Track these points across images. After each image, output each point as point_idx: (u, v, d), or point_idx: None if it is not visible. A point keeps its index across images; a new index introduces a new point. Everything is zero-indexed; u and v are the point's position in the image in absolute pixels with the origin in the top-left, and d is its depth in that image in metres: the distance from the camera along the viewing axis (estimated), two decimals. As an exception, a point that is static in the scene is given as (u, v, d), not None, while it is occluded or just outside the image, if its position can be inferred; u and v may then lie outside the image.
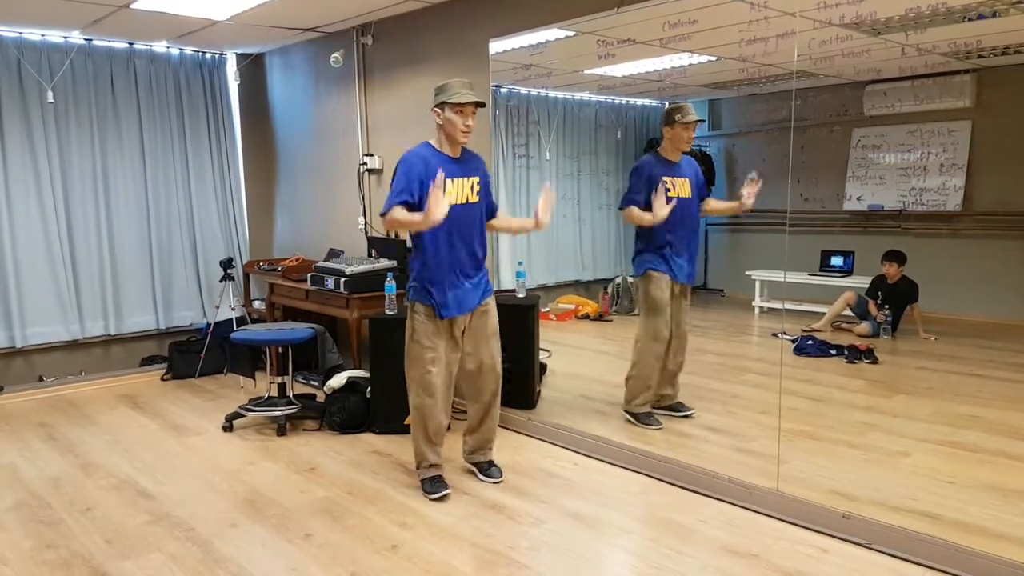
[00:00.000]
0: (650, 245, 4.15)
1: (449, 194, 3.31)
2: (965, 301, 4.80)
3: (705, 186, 4.28)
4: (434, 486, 3.58)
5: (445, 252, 3.43)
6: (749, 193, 3.97)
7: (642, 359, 4.22)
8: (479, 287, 3.55)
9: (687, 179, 4.14)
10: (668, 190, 4.04)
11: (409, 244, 3.75)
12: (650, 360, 4.20)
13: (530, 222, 3.64)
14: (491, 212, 3.66)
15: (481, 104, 3.40)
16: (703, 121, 4.27)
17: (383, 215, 3.37)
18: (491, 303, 3.62)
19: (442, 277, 3.43)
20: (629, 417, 4.29)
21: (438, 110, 3.39)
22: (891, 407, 4.47)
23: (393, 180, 3.44)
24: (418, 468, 3.68)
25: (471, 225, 3.49)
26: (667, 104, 5.38)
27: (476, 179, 3.51)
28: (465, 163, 3.50)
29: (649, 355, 4.19)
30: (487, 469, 3.78)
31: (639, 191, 4.08)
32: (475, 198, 3.49)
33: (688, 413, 4.35)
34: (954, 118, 4.69)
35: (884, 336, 5.28)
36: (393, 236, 5.54)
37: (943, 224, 4.84)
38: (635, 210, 4.08)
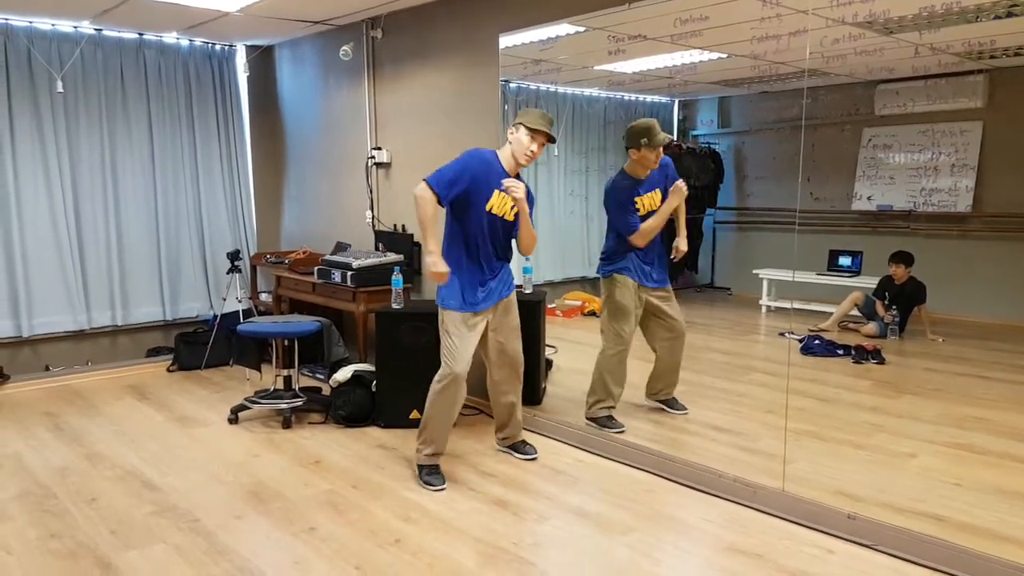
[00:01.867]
0: (620, 249, 4.17)
1: (492, 203, 3.56)
2: (974, 303, 4.77)
3: (674, 181, 4.21)
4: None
5: (474, 254, 3.64)
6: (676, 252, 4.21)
7: (603, 363, 4.23)
8: (500, 284, 3.74)
9: (656, 190, 4.14)
10: (637, 210, 4.08)
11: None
12: (612, 365, 4.20)
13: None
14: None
15: (552, 140, 3.58)
16: (672, 140, 4.29)
17: (425, 182, 3.46)
18: (514, 301, 3.84)
19: (472, 277, 3.64)
20: (588, 422, 4.28)
21: (514, 129, 3.58)
22: (898, 408, 4.45)
23: (448, 164, 3.54)
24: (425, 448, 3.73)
25: (504, 236, 3.70)
26: (675, 101, 5.37)
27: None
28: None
29: (611, 360, 4.19)
30: (523, 447, 4.05)
31: (631, 211, 4.09)
32: (511, 217, 3.65)
33: (682, 412, 4.35)
34: (966, 118, 4.65)
35: (891, 337, 5.25)
36: (400, 230, 5.54)
37: (953, 225, 4.81)
38: (645, 227, 4.09)
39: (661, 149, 4.02)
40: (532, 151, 3.53)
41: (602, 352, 4.23)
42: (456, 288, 3.60)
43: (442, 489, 3.61)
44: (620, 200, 4.10)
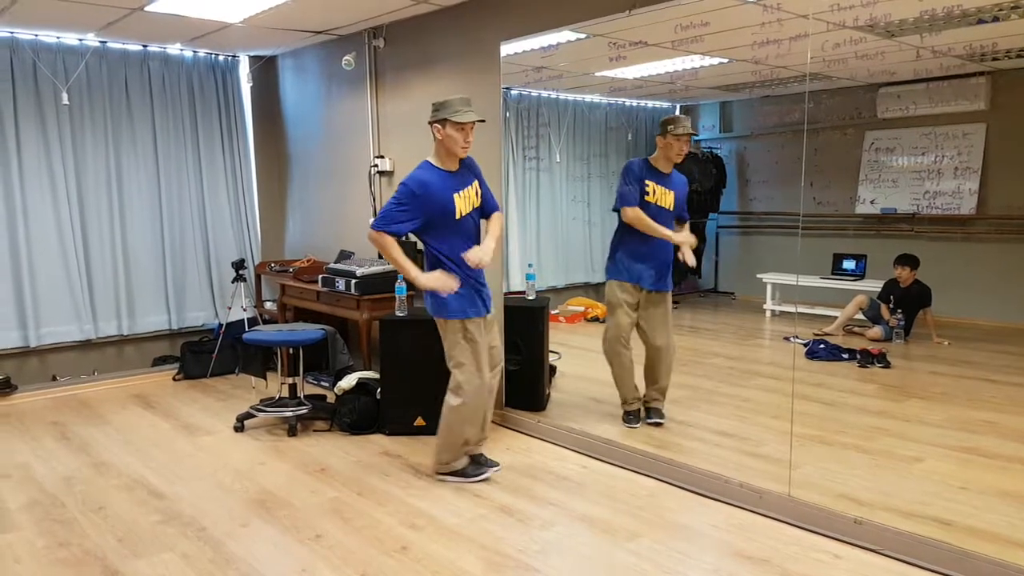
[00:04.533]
0: (622, 251, 4.21)
1: (459, 210, 3.50)
2: (979, 305, 4.76)
3: (684, 210, 4.30)
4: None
5: (461, 261, 3.56)
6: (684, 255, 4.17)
7: (610, 361, 4.29)
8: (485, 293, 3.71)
9: (672, 192, 4.18)
10: (647, 194, 4.10)
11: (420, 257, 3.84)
12: (619, 360, 4.26)
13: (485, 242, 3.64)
14: (494, 208, 3.74)
15: (481, 120, 3.50)
16: (696, 134, 4.32)
17: (375, 229, 3.44)
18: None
19: (475, 279, 3.60)
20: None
21: (438, 125, 3.45)
22: (904, 412, 4.44)
23: (390, 204, 3.48)
24: (454, 460, 3.78)
25: (477, 227, 3.66)
26: (676, 106, 5.38)
27: (475, 183, 3.63)
28: (462, 173, 3.60)
29: (615, 356, 4.26)
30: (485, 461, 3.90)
31: (634, 191, 4.12)
32: (478, 202, 3.61)
33: (658, 421, 4.33)
34: (968, 121, 4.65)
35: (896, 340, 5.24)
36: (404, 238, 5.55)
37: (957, 228, 4.80)
38: (643, 214, 4.10)
39: (685, 143, 4.09)
40: (468, 141, 3.47)
41: (606, 352, 4.31)
42: (462, 296, 3.56)
43: (497, 467, 3.80)
44: (633, 174, 4.13)
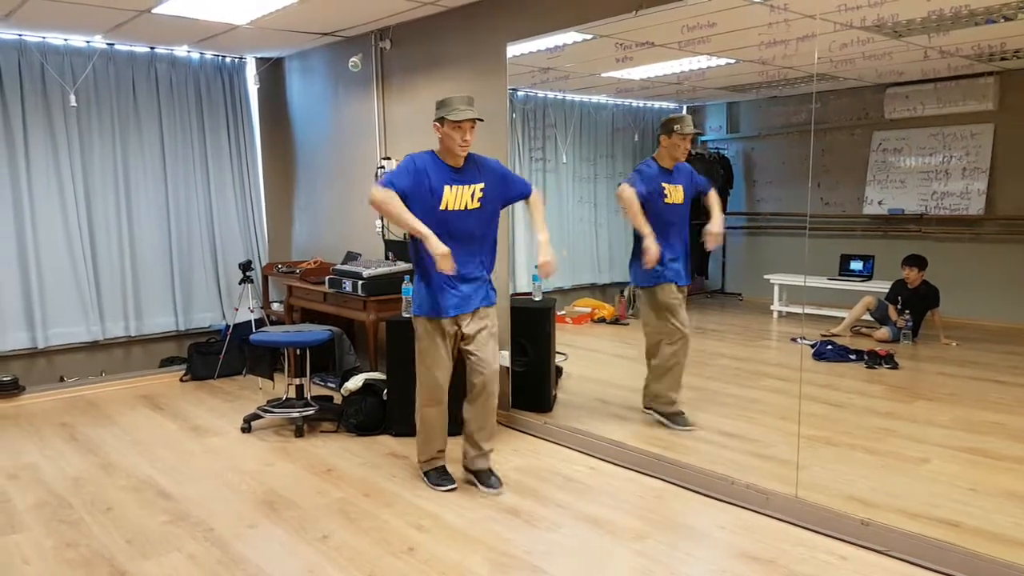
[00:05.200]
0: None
1: (446, 201, 3.47)
2: (987, 306, 4.74)
3: (696, 176, 4.35)
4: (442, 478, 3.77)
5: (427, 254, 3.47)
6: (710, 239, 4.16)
7: (658, 355, 4.28)
8: (478, 292, 3.59)
9: (680, 186, 4.25)
10: (666, 196, 4.17)
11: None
12: (667, 355, 4.25)
13: (541, 247, 3.63)
14: (523, 194, 3.72)
15: (479, 119, 3.48)
16: (701, 133, 4.35)
17: (376, 188, 3.42)
18: (491, 312, 3.66)
19: (440, 280, 3.50)
20: (659, 418, 4.34)
21: (438, 124, 3.48)
22: (911, 413, 4.42)
23: (392, 170, 3.52)
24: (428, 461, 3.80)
25: (470, 231, 3.55)
26: (683, 107, 5.37)
27: (480, 186, 3.56)
28: (468, 171, 3.56)
29: (664, 351, 4.26)
30: (488, 478, 3.75)
31: (642, 185, 4.16)
32: (475, 204, 3.54)
33: (686, 428, 4.31)
34: (976, 121, 4.63)
35: (905, 340, 5.22)
36: (410, 239, 5.56)
37: (965, 228, 4.78)
38: (636, 201, 4.12)
39: (689, 141, 4.15)
40: (466, 140, 3.45)
41: (656, 349, 4.32)
42: (424, 294, 3.55)
43: (453, 488, 3.69)
44: (647, 177, 4.18)
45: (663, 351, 4.24)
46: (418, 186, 3.46)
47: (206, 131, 6.45)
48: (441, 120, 3.45)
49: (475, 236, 3.56)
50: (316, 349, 4.84)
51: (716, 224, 4.18)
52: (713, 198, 4.29)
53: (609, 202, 5.63)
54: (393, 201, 3.39)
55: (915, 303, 5.23)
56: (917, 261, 5.15)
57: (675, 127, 4.12)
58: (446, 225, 3.46)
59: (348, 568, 2.96)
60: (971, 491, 3.38)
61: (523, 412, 4.63)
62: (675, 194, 4.22)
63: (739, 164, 5.48)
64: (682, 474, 3.70)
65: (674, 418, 4.29)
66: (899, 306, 5.28)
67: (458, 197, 3.50)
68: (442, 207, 3.47)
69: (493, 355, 3.62)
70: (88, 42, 5.76)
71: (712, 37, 4.00)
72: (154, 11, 4.79)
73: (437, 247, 3.34)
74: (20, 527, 3.40)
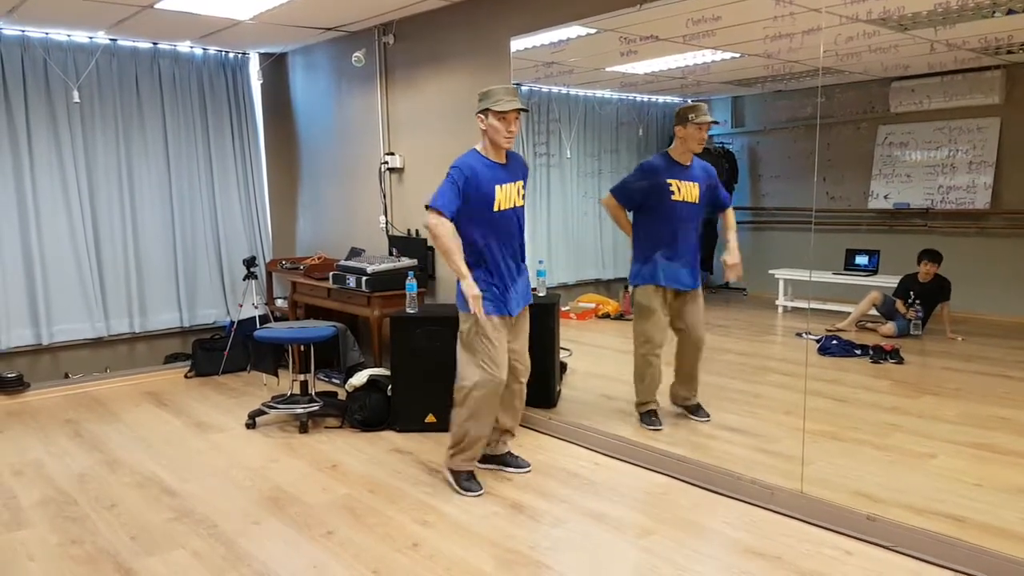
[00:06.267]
0: (645, 252, 4.12)
1: (499, 202, 3.45)
2: (994, 300, 4.71)
3: (720, 189, 4.19)
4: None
5: (496, 257, 3.52)
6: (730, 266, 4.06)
7: (635, 361, 4.25)
8: (527, 287, 3.69)
9: (696, 183, 4.06)
10: (672, 193, 4.00)
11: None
12: (643, 362, 4.21)
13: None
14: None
15: (524, 110, 3.42)
16: (717, 123, 4.24)
17: (430, 208, 3.35)
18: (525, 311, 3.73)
19: (502, 279, 3.54)
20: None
21: (482, 116, 3.42)
22: (917, 408, 4.41)
23: (444, 181, 3.43)
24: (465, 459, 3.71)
25: (513, 230, 3.57)
26: (688, 101, 5.35)
27: (521, 183, 3.56)
28: (511, 168, 3.54)
29: (639, 358, 4.21)
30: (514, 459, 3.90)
31: (633, 190, 4.07)
32: (520, 202, 3.56)
33: (704, 419, 4.31)
34: (983, 115, 4.61)
35: (915, 332, 5.20)
36: (414, 234, 5.55)
37: (971, 222, 4.76)
38: (619, 210, 4.11)
39: (706, 132, 3.99)
40: (511, 131, 3.40)
41: (634, 353, 4.27)
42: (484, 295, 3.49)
43: (481, 493, 3.61)
44: (646, 178, 4.04)
45: (677, 350, 4.21)
46: (470, 198, 3.39)
47: (209, 127, 6.44)
48: (485, 112, 3.39)
49: (514, 234, 3.58)
50: (320, 345, 4.83)
51: (734, 254, 4.03)
52: (730, 218, 4.16)
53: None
54: (447, 236, 3.34)
55: (926, 296, 5.21)
56: (934, 256, 5.11)
57: (690, 116, 3.94)
58: (498, 223, 3.45)
59: (353, 564, 2.96)
60: (977, 486, 3.36)
61: (527, 408, 4.61)
62: (685, 191, 4.02)
63: (744, 159, 5.46)
64: (687, 470, 3.69)
65: (695, 411, 4.32)
66: (910, 299, 5.25)
67: (507, 196, 3.49)
68: (495, 208, 3.44)
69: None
70: (91, 38, 5.76)
71: (717, 31, 3.97)
72: (157, 6, 4.78)
73: (470, 288, 3.35)
74: (25, 524, 3.41)
